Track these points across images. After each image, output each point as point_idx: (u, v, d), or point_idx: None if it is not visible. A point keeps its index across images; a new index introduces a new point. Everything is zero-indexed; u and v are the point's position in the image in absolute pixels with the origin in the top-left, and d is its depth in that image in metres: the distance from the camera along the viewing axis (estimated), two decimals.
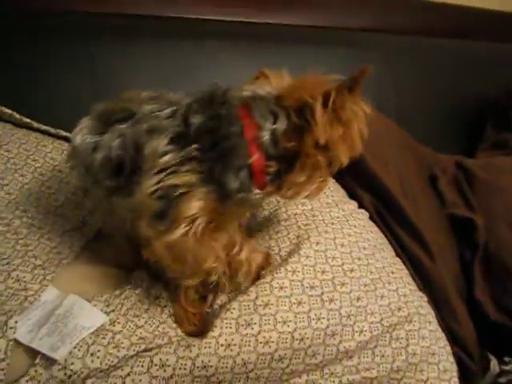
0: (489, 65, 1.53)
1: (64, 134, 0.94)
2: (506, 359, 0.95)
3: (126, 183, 0.53)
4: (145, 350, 0.57)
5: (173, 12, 1.18)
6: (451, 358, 0.74)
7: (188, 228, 0.52)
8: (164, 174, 0.51)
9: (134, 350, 0.56)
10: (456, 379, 0.73)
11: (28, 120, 0.93)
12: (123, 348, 0.56)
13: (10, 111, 0.92)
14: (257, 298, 0.63)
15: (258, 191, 0.57)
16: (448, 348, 0.74)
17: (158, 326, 0.60)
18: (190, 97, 0.57)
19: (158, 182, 0.51)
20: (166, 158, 0.51)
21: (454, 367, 0.74)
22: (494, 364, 0.93)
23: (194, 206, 0.52)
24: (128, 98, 0.59)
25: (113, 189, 0.56)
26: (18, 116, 0.92)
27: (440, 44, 1.51)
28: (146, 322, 0.60)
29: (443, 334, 0.76)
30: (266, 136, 0.54)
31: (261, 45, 1.19)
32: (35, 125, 0.93)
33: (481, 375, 0.88)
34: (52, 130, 0.94)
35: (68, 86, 1.04)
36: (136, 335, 0.58)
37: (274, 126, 0.54)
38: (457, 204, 1.04)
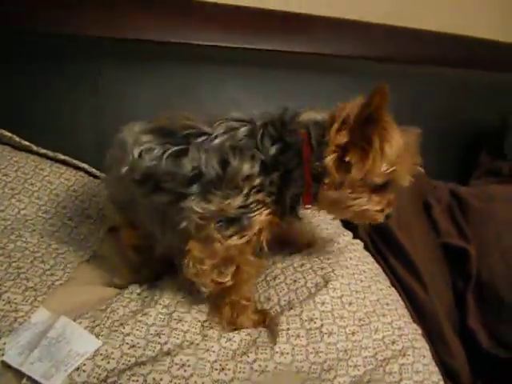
0: (486, 94, 1.55)
1: (62, 157, 0.95)
2: None
3: (203, 191, 0.60)
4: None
5: (173, 37, 1.20)
6: None
7: (254, 237, 0.62)
8: (252, 191, 0.60)
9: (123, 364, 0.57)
10: None
11: (27, 143, 0.94)
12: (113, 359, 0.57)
13: (9, 134, 0.93)
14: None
15: (307, 207, 0.67)
16: (441, 383, 0.74)
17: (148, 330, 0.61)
18: (261, 117, 0.64)
19: (247, 198, 0.60)
20: (258, 180, 0.60)
21: None
22: None
23: (264, 220, 0.62)
24: (182, 116, 0.66)
25: (182, 195, 0.61)
26: (17, 139, 0.93)
27: (438, 72, 1.54)
28: (132, 329, 0.61)
29: (436, 368, 0.76)
30: (319, 168, 0.62)
31: (258, 70, 1.21)
32: (34, 148, 0.94)
33: None
34: (50, 154, 0.95)
35: (70, 110, 1.05)
36: (127, 343, 0.59)
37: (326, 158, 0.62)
38: (450, 233, 1.05)
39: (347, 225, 0.97)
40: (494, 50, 1.68)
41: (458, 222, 1.07)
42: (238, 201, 0.60)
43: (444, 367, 0.82)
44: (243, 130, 0.63)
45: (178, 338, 0.62)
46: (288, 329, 0.65)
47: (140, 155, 0.63)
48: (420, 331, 0.79)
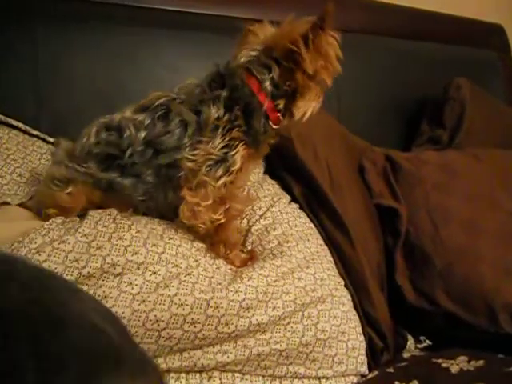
0: (431, 64, 1.59)
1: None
2: (422, 338, 1.03)
3: (191, 143, 0.71)
4: None
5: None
6: (361, 338, 0.80)
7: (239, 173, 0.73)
8: (226, 130, 0.71)
9: None
10: (363, 356, 0.79)
11: None
12: None
13: None
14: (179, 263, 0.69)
15: (276, 127, 0.75)
16: (359, 328, 0.80)
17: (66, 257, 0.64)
18: (206, 78, 0.76)
19: (224, 137, 0.70)
20: (225, 118, 0.71)
21: (363, 346, 0.80)
22: (411, 342, 1.01)
23: (244, 154, 0.72)
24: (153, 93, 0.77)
25: (176, 149, 0.72)
26: None
27: (383, 43, 1.57)
28: (49, 256, 0.63)
29: (356, 316, 0.81)
30: (267, 86, 0.73)
31: (207, 35, 1.20)
32: None
33: (397, 352, 0.95)
34: None
35: (9, 70, 1.02)
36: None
37: (271, 75, 0.73)
38: (383, 194, 1.10)
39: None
40: (442, 22, 1.72)
41: (391, 184, 1.12)
42: (218, 140, 0.70)
43: (365, 316, 0.87)
44: (198, 90, 0.75)
45: (97, 263, 0.64)
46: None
47: (136, 128, 0.72)
48: (343, 283, 0.84)
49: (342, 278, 0.87)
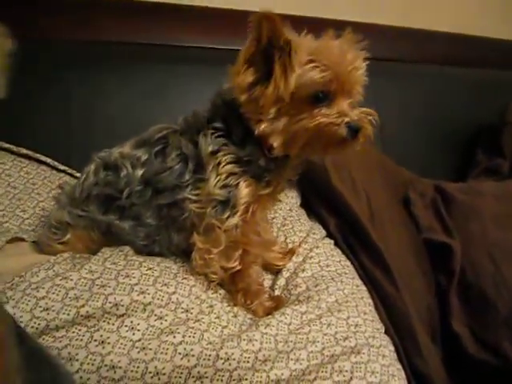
0: (486, 91, 1.49)
1: (25, 151, 0.94)
2: None
3: (193, 181, 0.65)
4: None
5: (145, 39, 1.19)
6: None
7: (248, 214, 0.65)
8: (221, 165, 0.63)
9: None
10: None
11: None
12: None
13: None
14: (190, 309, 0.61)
15: (272, 156, 0.64)
16: None
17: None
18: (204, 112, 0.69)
19: (219, 173, 0.63)
20: (220, 153, 0.64)
21: None
22: None
23: (248, 192, 0.64)
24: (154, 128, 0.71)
25: (177, 188, 0.66)
26: None
27: (432, 70, 1.50)
28: (48, 292, 0.59)
29: (401, 371, 0.69)
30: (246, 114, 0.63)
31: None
32: None
33: None
34: (14, 148, 0.94)
35: (43, 110, 1.05)
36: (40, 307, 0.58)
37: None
38: (433, 228, 0.98)
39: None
40: (495, 48, 1.62)
41: (441, 217, 1.00)
42: (213, 178, 0.63)
43: (413, 371, 0.74)
44: (197, 118, 0.69)
45: (98, 302, 0.58)
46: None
47: (133, 166, 0.67)
48: (383, 330, 0.72)
49: (384, 323, 0.76)
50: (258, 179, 0.65)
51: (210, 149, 0.64)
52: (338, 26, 1.38)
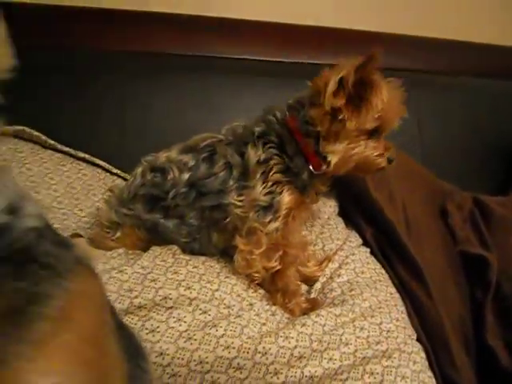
0: None
1: (82, 154, 1.02)
2: None
3: (237, 187, 0.71)
4: None
5: (192, 51, 1.26)
6: None
7: (289, 218, 0.71)
8: (268, 174, 0.70)
9: None
10: None
11: (52, 142, 1.01)
12: None
13: (37, 133, 1.01)
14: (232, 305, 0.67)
15: (316, 172, 0.72)
16: None
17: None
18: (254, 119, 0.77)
19: (266, 182, 0.69)
20: (269, 163, 0.70)
21: None
22: None
23: (290, 199, 0.71)
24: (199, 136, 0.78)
25: (221, 193, 0.72)
26: (43, 138, 1.01)
27: (475, 83, 1.49)
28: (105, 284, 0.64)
29: (432, 378, 0.71)
30: (302, 126, 0.71)
31: (271, 80, 1.23)
32: (58, 146, 1.02)
33: None
34: (72, 151, 1.02)
35: (96, 117, 1.13)
36: None
37: (302, 114, 0.71)
38: (470, 241, 0.98)
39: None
40: None
41: (479, 230, 1.00)
42: (260, 186, 0.69)
43: (445, 380, 0.76)
44: (243, 130, 0.76)
45: (149, 294, 0.64)
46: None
47: (180, 170, 0.73)
48: (415, 337, 0.74)
49: (417, 331, 0.78)
50: (298, 190, 0.72)
51: (260, 158, 0.71)
52: (382, 39, 1.42)
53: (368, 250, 0.91)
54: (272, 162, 0.70)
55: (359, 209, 0.98)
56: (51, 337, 0.31)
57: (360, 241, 0.93)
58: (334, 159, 0.70)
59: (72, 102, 1.12)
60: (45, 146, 1.02)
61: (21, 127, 0.98)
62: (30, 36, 1.15)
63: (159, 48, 1.28)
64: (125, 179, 1.04)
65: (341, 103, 0.67)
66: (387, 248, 0.91)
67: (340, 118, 0.68)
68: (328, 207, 0.99)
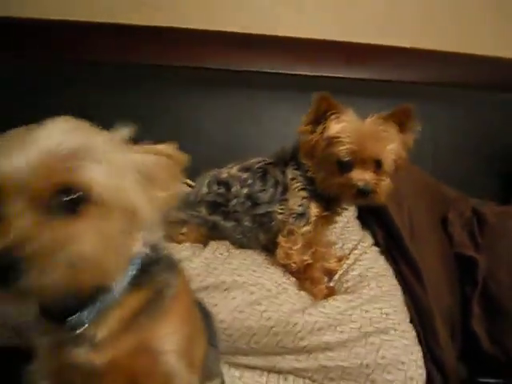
0: None
1: None
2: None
3: (280, 199, 0.96)
4: None
5: (234, 66, 1.47)
6: (420, 371, 0.90)
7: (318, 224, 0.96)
8: (297, 189, 0.95)
9: None
10: None
11: None
12: None
13: None
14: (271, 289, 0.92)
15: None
16: (420, 362, 0.91)
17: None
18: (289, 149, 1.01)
19: (297, 196, 0.95)
20: (299, 180, 0.96)
21: (422, 378, 0.90)
22: None
23: (316, 211, 0.95)
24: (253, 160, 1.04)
25: (270, 203, 0.97)
26: None
27: (483, 96, 1.64)
28: None
29: (419, 352, 0.93)
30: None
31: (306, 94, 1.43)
32: None
33: None
34: None
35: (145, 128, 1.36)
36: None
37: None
38: (465, 244, 1.19)
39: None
40: None
41: (473, 236, 1.20)
42: (292, 200, 0.94)
43: (430, 353, 0.98)
44: (284, 154, 1.02)
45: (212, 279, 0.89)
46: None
47: (241, 185, 0.98)
48: (408, 320, 0.97)
49: (411, 316, 1.00)
50: (323, 205, 0.95)
51: (290, 176, 0.96)
52: (392, 52, 1.58)
53: (378, 249, 1.13)
54: (294, 181, 0.95)
55: (373, 215, 1.20)
56: (173, 306, 0.55)
57: (372, 241, 1.15)
58: (318, 185, 0.95)
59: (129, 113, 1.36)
60: None
61: None
62: (100, 52, 1.39)
63: (212, 64, 1.48)
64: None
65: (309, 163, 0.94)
66: (393, 249, 1.12)
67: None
68: (348, 212, 1.21)
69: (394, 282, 1.05)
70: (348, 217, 1.19)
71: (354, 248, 1.09)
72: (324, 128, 0.90)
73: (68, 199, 0.39)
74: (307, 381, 0.87)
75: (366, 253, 1.08)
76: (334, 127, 0.89)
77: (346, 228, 1.16)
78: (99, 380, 0.49)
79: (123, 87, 1.38)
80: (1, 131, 0.44)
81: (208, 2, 1.51)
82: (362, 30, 1.60)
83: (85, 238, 0.40)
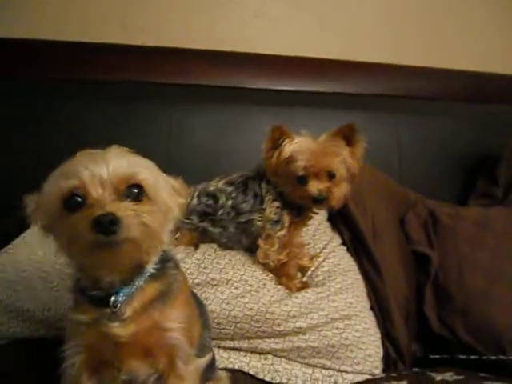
0: (489, 125, 1.80)
1: None
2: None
3: (259, 209, 1.13)
4: None
5: (225, 83, 1.63)
6: (378, 349, 1.09)
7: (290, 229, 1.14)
8: (271, 200, 1.12)
9: None
10: (378, 363, 1.08)
11: None
12: None
13: None
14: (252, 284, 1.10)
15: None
16: (377, 342, 1.10)
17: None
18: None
19: (271, 206, 1.12)
20: (271, 193, 1.13)
21: (379, 355, 1.09)
22: None
23: (287, 218, 1.12)
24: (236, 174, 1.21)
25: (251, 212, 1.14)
26: None
27: (445, 107, 1.83)
28: None
29: (377, 334, 1.12)
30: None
31: (286, 109, 1.59)
32: None
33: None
34: None
35: (144, 144, 1.52)
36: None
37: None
38: (421, 242, 1.39)
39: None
40: (499, 83, 1.90)
41: (428, 235, 1.40)
42: (268, 209, 1.11)
43: (387, 335, 1.17)
44: (260, 169, 1.18)
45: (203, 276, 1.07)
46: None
47: (226, 198, 1.15)
48: (368, 307, 1.16)
49: (371, 305, 1.19)
50: (294, 212, 1.12)
51: (264, 189, 1.14)
52: (367, 68, 1.75)
53: (345, 248, 1.31)
54: (268, 193, 1.12)
55: (340, 217, 1.37)
56: (178, 296, 0.72)
57: (340, 241, 1.33)
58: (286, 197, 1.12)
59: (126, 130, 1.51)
60: None
61: None
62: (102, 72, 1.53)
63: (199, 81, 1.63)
64: None
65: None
66: (358, 248, 1.30)
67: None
68: (320, 215, 1.39)
69: (358, 276, 1.23)
70: (320, 220, 1.37)
71: (324, 247, 1.27)
72: (280, 152, 1.08)
73: (136, 191, 0.61)
74: (283, 359, 1.06)
75: (334, 251, 1.26)
76: (288, 150, 1.07)
77: (318, 230, 1.33)
78: (123, 350, 0.66)
79: (111, 104, 1.53)
80: None
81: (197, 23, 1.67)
82: (339, 47, 1.79)
83: (146, 214, 0.60)
